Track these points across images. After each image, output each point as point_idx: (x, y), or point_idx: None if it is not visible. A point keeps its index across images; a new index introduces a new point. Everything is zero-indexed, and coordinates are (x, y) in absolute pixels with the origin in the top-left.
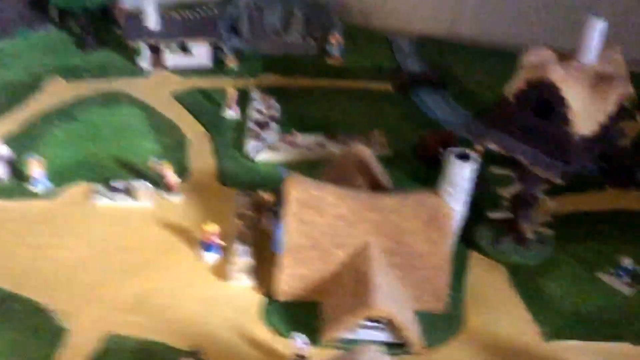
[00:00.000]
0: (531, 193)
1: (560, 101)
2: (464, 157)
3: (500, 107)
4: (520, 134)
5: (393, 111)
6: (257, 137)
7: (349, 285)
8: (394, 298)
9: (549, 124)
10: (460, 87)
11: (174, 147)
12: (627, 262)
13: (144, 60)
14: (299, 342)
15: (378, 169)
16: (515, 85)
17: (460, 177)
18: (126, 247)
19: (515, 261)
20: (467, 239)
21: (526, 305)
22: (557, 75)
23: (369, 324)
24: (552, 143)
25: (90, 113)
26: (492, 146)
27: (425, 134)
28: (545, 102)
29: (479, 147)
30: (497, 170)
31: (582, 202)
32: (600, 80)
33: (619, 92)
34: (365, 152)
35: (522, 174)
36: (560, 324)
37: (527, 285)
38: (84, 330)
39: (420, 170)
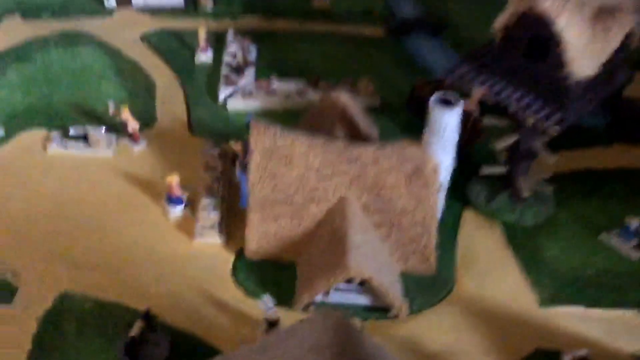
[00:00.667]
0: (528, 146)
1: (554, 38)
2: (447, 103)
3: (489, 49)
4: (511, 78)
5: (383, 58)
6: (231, 82)
7: (324, 244)
8: (373, 259)
9: (542, 65)
10: (457, 34)
11: (140, 93)
12: (634, 223)
13: None
14: (262, 306)
15: (361, 119)
16: (502, 20)
17: (445, 125)
18: (83, 199)
19: (511, 220)
20: (459, 195)
21: (522, 267)
22: (550, 4)
23: (346, 286)
24: (547, 88)
25: (48, 54)
26: (479, 92)
27: (417, 83)
28: (537, 39)
29: (479, 93)
30: (491, 120)
31: (587, 159)
32: (602, 12)
33: (625, 26)
34: (347, 99)
35: (517, 125)
36: (558, 288)
37: (524, 246)
38: (35, 288)
39: (412, 121)
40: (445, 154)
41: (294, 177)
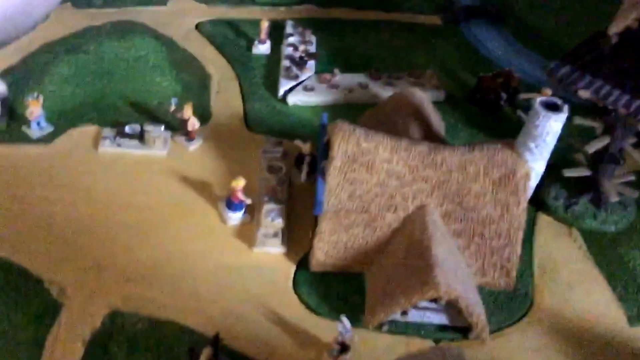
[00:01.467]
0: (619, 148)
1: None
2: (553, 107)
3: (592, 48)
4: (619, 81)
5: (443, 48)
6: (292, 76)
7: (400, 256)
8: (457, 274)
9: None
10: (519, 22)
11: (195, 86)
12: None
13: None
14: (341, 328)
15: (435, 118)
16: (622, 23)
17: (548, 130)
18: (135, 204)
19: (592, 227)
20: (536, 199)
21: (606, 280)
22: None
23: (427, 304)
24: None
25: (101, 46)
26: (585, 94)
27: (483, 75)
28: None
29: (584, 94)
30: (582, 121)
31: None
32: None
33: None
34: (422, 96)
35: (612, 126)
36: None
37: (607, 256)
38: (81, 305)
39: (477, 116)
40: (540, 160)
41: (373, 184)
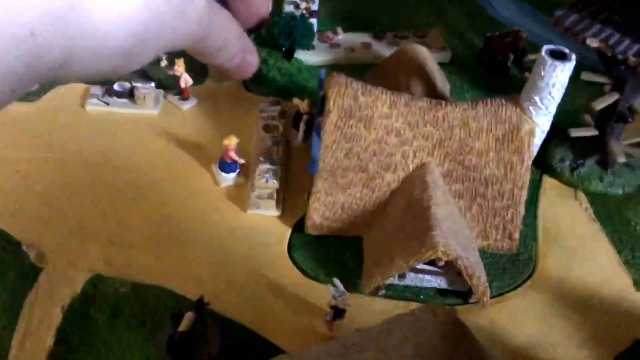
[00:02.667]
0: (629, 105)
1: None
2: (559, 56)
3: None
4: (631, 30)
5: (450, 7)
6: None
7: (399, 217)
8: (457, 236)
9: None
10: None
11: None
12: None
13: None
14: (334, 291)
15: (438, 75)
16: None
17: (553, 82)
18: (123, 165)
19: (599, 190)
20: (541, 161)
21: (612, 244)
22: None
23: (425, 267)
24: None
25: None
26: (593, 43)
27: (491, 35)
28: None
29: (592, 42)
30: (589, 76)
31: None
32: None
33: None
34: (425, 52)
35: (621, 81)
36: None
37: (614, 219)
38: (62, 269)
39: (483, 78)
40: (546, 114)
41: (371, 141)
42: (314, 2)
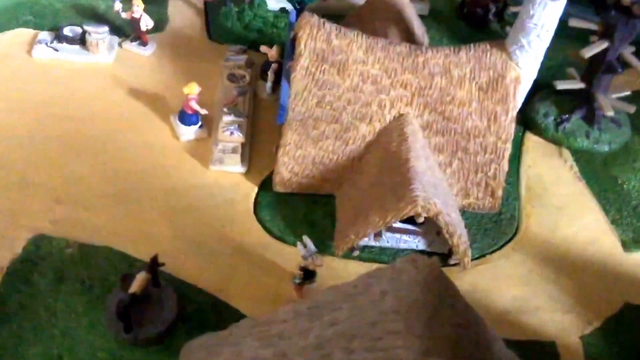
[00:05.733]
0: (618, 54)
1: None
2: None
3: None
4: None
5: None
6: None
7: (375, 172)
8: (437, 190)
9: None
10: None
11: None
12: None
13: None
14: (302, 250)
15: (416, 22)
16: None
17: (543, 22)
18: (72, 116)
19: (584, 147)
20: (522, 117)
21: (599, 203)
22: None
23: (401, 226)
24: None
25: None
26: None
27: None
28: None
29: None
30: (577, 23)
31: None
32: None
33: None
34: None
35: (612, 28)
36: None
37: (600, 178)
38: (2, 228)
39: (463, 31)
40: (534, 60)
41: (346, 88)
42: None
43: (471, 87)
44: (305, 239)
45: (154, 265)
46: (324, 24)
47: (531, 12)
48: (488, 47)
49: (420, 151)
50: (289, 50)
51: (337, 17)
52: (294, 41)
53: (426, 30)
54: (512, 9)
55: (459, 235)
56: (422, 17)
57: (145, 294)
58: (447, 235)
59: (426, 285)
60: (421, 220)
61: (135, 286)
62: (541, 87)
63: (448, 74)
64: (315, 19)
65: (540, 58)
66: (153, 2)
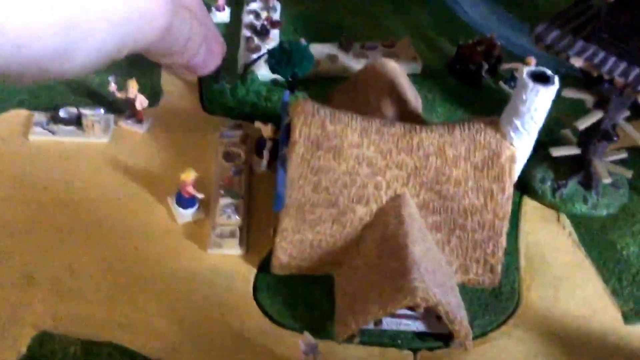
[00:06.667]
0: (613, 123)
1: None
2: (541, 79)
3: (586, 8)
4: (617, 47)
5: (421, 13)
6: (254, 47)
7: (373, 254)
8: (436, 276)
9: None
10: None
11: (143, 61)
12: None
13: None
14: (303, 347)
15: (410, 92)
16: None
17: (535, 106)
18: (71, 201)
19: (582, 212)
20: (519, 182)
21: (598, 272)
22: None
23: (402, 311)
24: None
25: None
26: (578, 62)
27: (463, 44)
28: None
29: (576, 62)
30: (571, 93)
31: None
32: None
33: None
34: (395, 68)
35: (605, 99)
36: None
37: (599, 244)
38: (4, 327)
39: (456, 89)
40: (528, 140)
41: (342, 172)
42: (275, 10)
43: (466, 166)
44: (307, 335)
45: None
46: (318, 110)
47: (524, 97)
48: (482, 126)
49: (418, 233)
50: (283, 135)
51: (331, 79)
52: (288, 127)
53: (419, 90)
54: (505, 65)
55: (460, 321)
56: (415, 75)
57: None
58: (447, 322)
59: None
60: (421, 310)
61: None
62: (537, 148)
63: (443, 153)
64: (309, 105)
65: (535, 137)
66: (146, 75)
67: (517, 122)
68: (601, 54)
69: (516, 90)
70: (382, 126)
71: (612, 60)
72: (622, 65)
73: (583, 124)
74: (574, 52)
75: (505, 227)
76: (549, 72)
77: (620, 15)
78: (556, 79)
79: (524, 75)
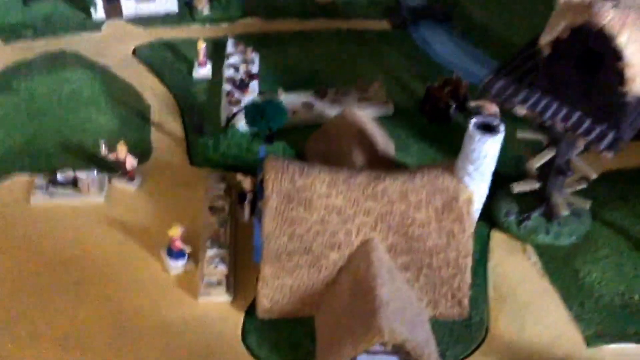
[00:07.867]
0: (566, 160)
1: (614, 53)
2: (488, 128)
3: (528, 59)
4: (557, 93)
5: (392, 54)
6: (234, 101)
7: (347, 297)
8: (404, 314)
9: (597, 81)
10: (468, 22)
11: (134, 120)
12: None
13: (97, 9)
14: None
15: (380, 138)
16: (552, 33)
17: (485, 153)
18: (71, 259)
19: (546, 242)
20: (486, 216)
21: (562, 299)
22: (611, 19)
23: (377, 348)
24: (600, 105)
25: (32, 82)
26: (522, 111)
27: (431, 86)
28: (591, 53)
29: (521, 110)
30: (524, 135)
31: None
32: None
33: None
34: (362, 117)
35: (556, 140)
36: (605, 322)
37: (563, 272)
38: None
39: (427, 128)
40: (481, 182)
41: (313, 222)
42: (253, 63)
43: (428, 209)
44: None
45: None
46: (287, 166)
47: (472, 147)
48: (440, 171)
49: (387, 275)
50: (258, 189)
51: (309, 127)
52: (262, 182)
53: (391, 131)
54: (472, 103)
55: (428, 355)
56: (387, 118)
57: None
58: (415, 357)
59: None
60: (389, 348)
61: None
62: (500, 181)
63: (406, 199)
64: (279, 162)
65: (489, 179)
66: (138, 132)
67: (470, 167)
68: (543, 101)
69: (465, 140)
70: (348, 176)
71: (554, 106)
72: (564, 111)
73: (537, 162)
74: (518, 101)
75: (469, 263)
76: (495, 121)
77: (557, 65)
78: (502, 127)
79: (471, 127)
